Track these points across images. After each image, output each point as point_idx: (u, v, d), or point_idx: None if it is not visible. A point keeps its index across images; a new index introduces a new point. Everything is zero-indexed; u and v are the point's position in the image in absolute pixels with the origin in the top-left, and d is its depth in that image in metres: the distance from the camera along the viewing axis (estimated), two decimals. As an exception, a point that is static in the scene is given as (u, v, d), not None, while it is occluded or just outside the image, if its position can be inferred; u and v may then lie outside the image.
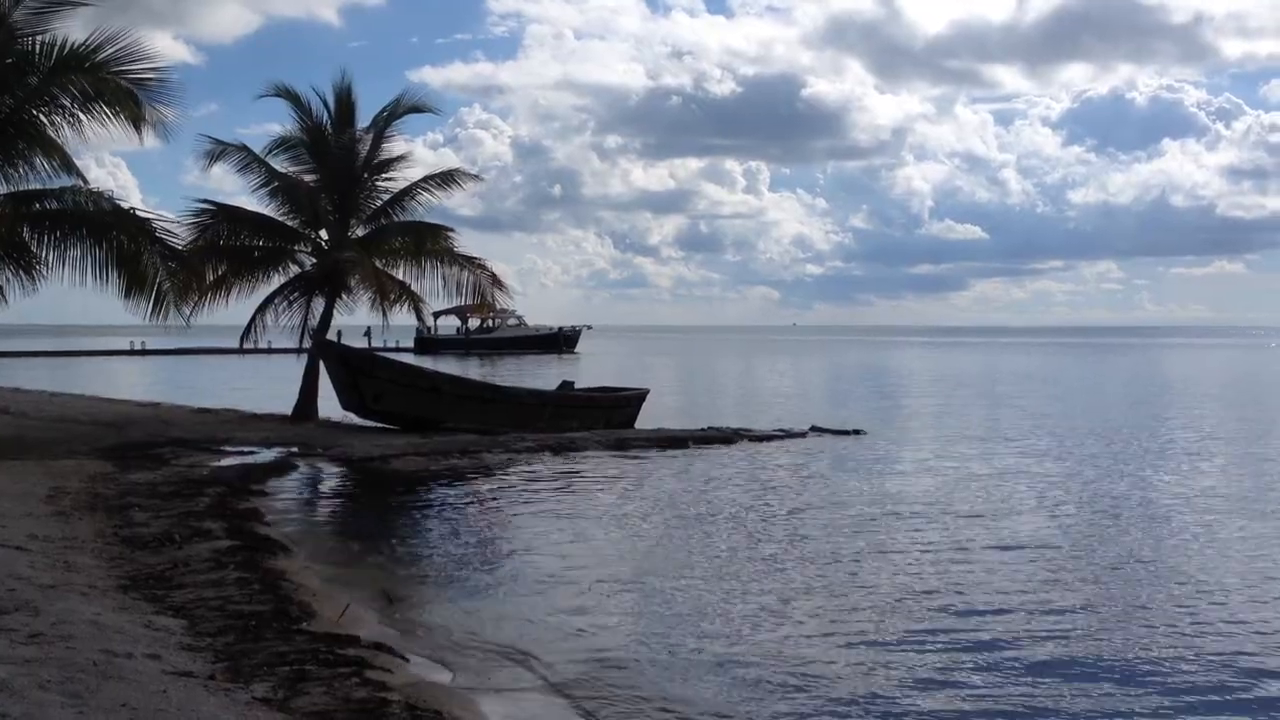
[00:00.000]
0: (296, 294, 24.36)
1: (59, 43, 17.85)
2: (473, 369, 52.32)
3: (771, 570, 11.03)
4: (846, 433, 24.13)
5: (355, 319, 26.58)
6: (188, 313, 20.51)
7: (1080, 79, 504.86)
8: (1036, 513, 14.65)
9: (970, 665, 7.99)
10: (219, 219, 23.52)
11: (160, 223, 19.37)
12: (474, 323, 79.93)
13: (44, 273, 18.41)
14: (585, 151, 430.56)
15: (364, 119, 24.77)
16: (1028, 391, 42.99)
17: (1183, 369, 65.96)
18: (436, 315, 66.54)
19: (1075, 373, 61.10)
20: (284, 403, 25.26)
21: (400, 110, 24.93)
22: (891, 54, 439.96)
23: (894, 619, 9.20)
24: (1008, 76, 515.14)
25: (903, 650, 8.32)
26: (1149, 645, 8.50)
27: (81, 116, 18.02)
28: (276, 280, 24.37)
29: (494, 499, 15.73)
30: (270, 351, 43.13)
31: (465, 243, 25.64)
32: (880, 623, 9.09)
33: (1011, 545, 12.39)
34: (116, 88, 17.75)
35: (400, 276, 24.52)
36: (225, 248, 23.71)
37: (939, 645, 8.46)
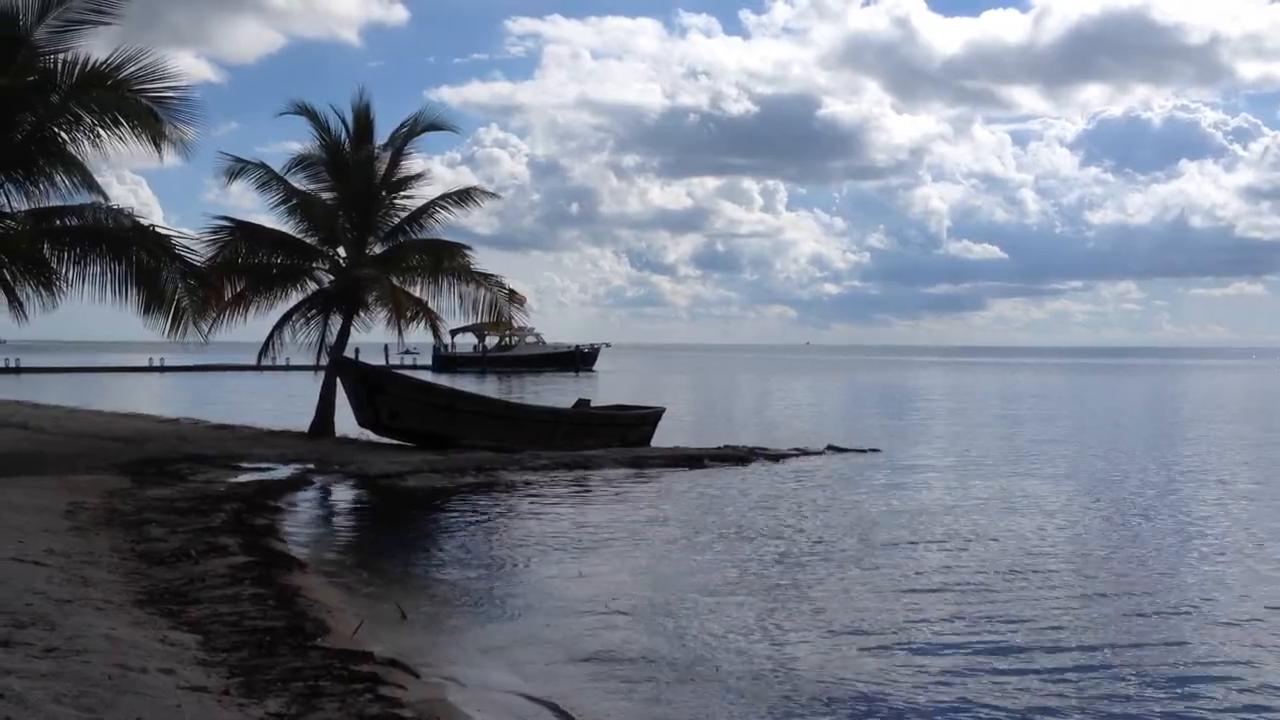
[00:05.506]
0: (314, 311, 24.47)
1: (81, 61, 18.04)
2: (490, 386, 52.38)
3: (787, 590, 10.96)
4: (863, 451, 24.06)
5: (373, 336, 26.71)
6: (206, 329, 20.64)
7: (1097, 100, 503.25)
8: (1049, 532, 14.53)
9: (979, 689, 7.91)
10: (238, 236, 23.65)
11: (179, 240, 19.56)
12: (491, 340, 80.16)
13: (64, 289, 18.51)
14: (603, 170, 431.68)
15: (382, 137, 24.96)
16: (1045, 411, 42.79)
17: (1205, 389, 65.50)
18: (454, 333, 66.90)
19: (1094, 393, 60.78)
20: (301, 419, 25.34)
21: (418, 128, 25.09)
22: (908, 74, 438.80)
23: (902, 639, 9.12)
24: (1024, 97, 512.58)
25: (909, 670, 8.25)
26: (1163, 669, 8.40)
27: (102, 134, 18.13)
28: (294, 297, 24.52)
29: (509, 516, 15.70)
30: (288, 368, 43.30)
31: (482, 261, 25.76)
32: (888, 642, 9.02)
33: (1023, 565, 12.27)
34: (137, 106, 17.87)
35: (417, 294, 24.60)
36: (244, 265, 23.82)
37: (944, 663, 8.37)
